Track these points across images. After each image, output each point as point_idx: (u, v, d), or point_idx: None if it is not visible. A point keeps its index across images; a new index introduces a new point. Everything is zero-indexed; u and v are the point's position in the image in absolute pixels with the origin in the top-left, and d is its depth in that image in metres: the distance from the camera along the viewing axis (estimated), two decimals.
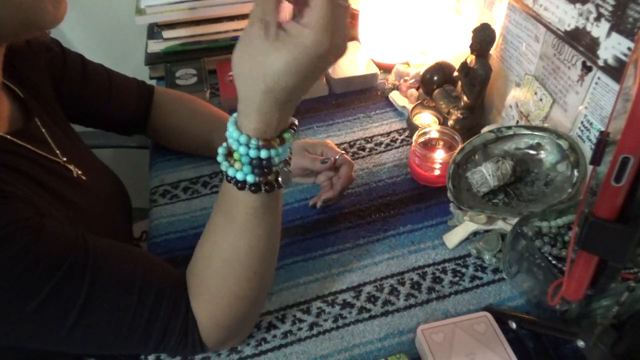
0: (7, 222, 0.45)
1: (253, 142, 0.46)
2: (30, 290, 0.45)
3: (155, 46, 1.09)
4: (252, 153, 0.46)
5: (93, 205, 0.65)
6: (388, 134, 0.94)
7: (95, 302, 0.48)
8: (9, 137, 0.55)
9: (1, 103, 0.58)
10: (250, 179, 0.47)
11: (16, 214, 0.47)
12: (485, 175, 0.72)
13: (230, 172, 0.48)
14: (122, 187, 0.81)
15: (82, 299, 0.48)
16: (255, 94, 0.44)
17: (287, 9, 0.44)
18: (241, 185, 0.48)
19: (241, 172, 0.47)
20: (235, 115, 0.48)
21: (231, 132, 0.46)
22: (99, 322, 0.49)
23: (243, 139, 0.46)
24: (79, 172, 0.66)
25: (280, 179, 0.49)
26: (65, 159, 0.64)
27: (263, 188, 0.48)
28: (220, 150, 0.49)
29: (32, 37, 0.62)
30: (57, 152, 0.63)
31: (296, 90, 0.44)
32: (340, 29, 0.43)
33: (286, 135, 0.48)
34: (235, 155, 0.47)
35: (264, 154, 0.46)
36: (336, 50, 0.43)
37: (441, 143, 0.85)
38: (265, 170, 0.48)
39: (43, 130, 0.62)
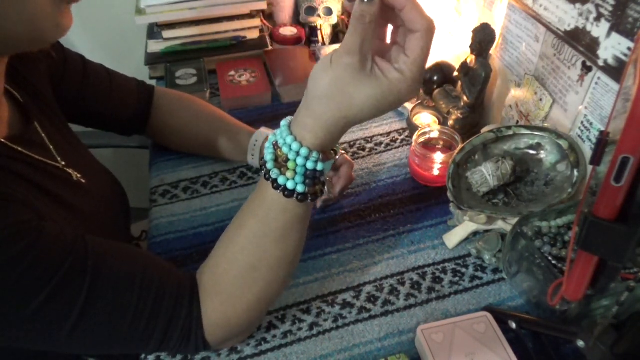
0: (6, 225, 0.45)
1: (314, 155, 0.47)
2: (30, 292, 0.45)
3: (155, 46, 1.09)
4: (310, 165, 0.48)
5: (92, 207, 0.65)
6: (388, 134, 0.94)
7: (96, 303, 0.48)
8: (7, 142, 0.55)
9: (1, 107, 0.58)
10: (300, 189, 0.49)
11: (15, 216, 0.47)
12: (485, 175, 0.72)
13: (281, 180, 0.48)
14: (121, 189, 0.81)
15: (82, 300, 0.48)
16: (333, 118, 0.46)
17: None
18: (289, 193, 0.49)
19: (292, 182, 0.48)
20: (286, 123, 0.49)
21: (290, 142, 0.47)
22: (100, 323, 0.49)
23: (304, 151, 0.47)
24: (78, 175, 0.66)
25: (326, 188, 0.51)
26: (64, 163, 0.64)
27: (310, 197, 0.50)
28: (269, 157, 0.49)
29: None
30: (57, 156, 0.63)
31: (366, 120, 0.47)
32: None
33: (337, 148, 0.51)
34: (290, 165, 0.48)
35: (320, 166, 0.48)
36: (418, 89, 0.47)
37: (441, 143, 0.85)
38: (315, 181, 0.49)
39: (42, 134, 0.62)
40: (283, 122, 0.49)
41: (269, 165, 0.49)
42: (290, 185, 0.48)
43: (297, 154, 0.47)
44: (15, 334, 0.47)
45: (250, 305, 0.55)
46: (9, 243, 0.45)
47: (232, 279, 0.54)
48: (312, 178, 0.49)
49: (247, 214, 0.53)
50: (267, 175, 0.49)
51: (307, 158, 0.47)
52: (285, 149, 0.48)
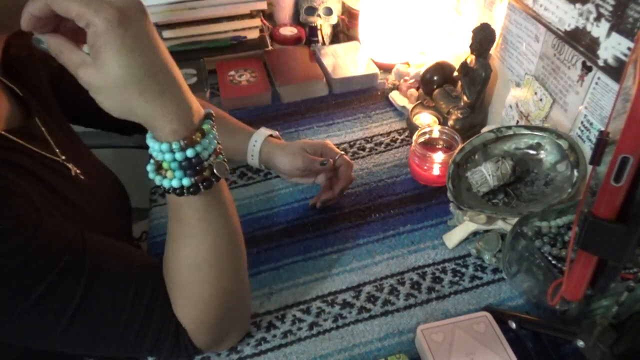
0: (4, 218, 0.45)
1: (175, 145, 0.46)
2: (26, 287, 0.45)
3: None
4: (179, 156, 0.46)
5: (91, 204, 0.66)
6: (388, 134, 0.94)
7: (92, 301, 0.49)
8: (7, 134, 0.56)
9: (0, 101, 0.59)
10: (186, 182, 0.47)
11: (14, 210, 0.47)
12: (485, 175, 0.72)
13: (166, 183, 0.48)
14: (122, 188, 0.81)
15: (78, 297, 0.48)
16: (137, 104, 0.44)
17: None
18: (179, 191, 0.48)
19: (176, 179, 0.47)
20: (148, 134, 0.48)
21: (152, 146, 0.47)
22: (95, 320, 0.49)
23: (165, 147, 0.46)
24: (77, 171, 0.66)
25: (215, 171, 0.49)
26: (64, 157, 0.64)
27: (201, 187, 0.48)
28: (150, 168, 0.49)
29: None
30: (57, 150, 0.63)
31: (154, 68, 0.43)
32: None
33: (205, 127, 0.48)
34: (165, 165, 0.47)
35: (190, 152, 0.47)
36: (124, 9, 0.41)
37: (441, 143, 0.85)
38: (198, 168, 0.48)
39: (43, 129, 0.63)
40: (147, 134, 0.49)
41: (150, 175, 0.49)
42: (175, 183, 0.48)
43: (162, 152, 0.46)
44: (11, 329, 0.47)
45: (211, 302, 0.54)
46: (7, 236, 0.45)
47: (183, 282, 0.54)
48: (191, 167, 0.47)
49: (169, 221, 0.53)
50: (156, 185, 0.49)
51: (171, 151, 0.46)
52: (154, 154, 0.48)
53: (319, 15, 1.16)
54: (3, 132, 0.55)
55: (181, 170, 0.47)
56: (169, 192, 0.48)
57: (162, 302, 0.53)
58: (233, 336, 0.61)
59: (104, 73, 0.42)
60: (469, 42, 0.82)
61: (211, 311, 0.55)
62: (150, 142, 0.47)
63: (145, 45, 0.43)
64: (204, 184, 0.48)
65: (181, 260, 0.53)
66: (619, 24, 0.59)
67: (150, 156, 0.49)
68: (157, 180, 0.48)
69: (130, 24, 0.42)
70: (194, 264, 0.53)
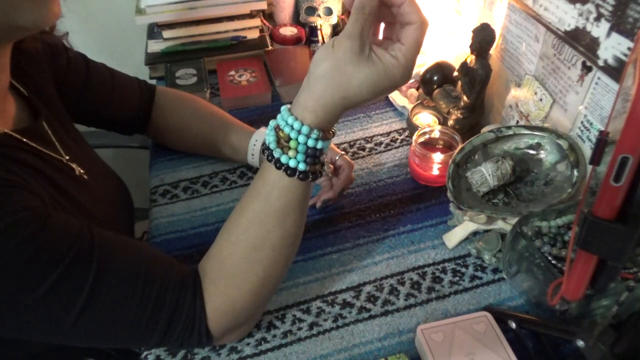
0: (13, 210, 0.46)
1: (315, 133, 0.50)
2: (36, 278, 0.46)
3: (155, 46, 1.09)
4: (311, 143, 0.50)
5: (95, 203, 0.66)
6: (388, 133, 0.94)
7: (101, 292, 0.49)
8: (14, 134, 0.56)
9: (8, 102, 0.59)
10: (301, 167, 0.51)
11: (22, 203, 0.47)
12: (485, 175, 0.72)
13: (284, 159, 0.51)
14: (125, 189, 0.82)
15: (87, 289, 0.48)
16: (332, 98, 0.49)
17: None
18: (291, 172, 0.51)
19: (294, 160, 0.51)
20: (286, 107, 0.51)
21: (291, 121, 0.50)
22: (104, 312, 0.50)
23: (305, 129, 0.49)
24: (81, 170, 0.66)
25: (324, 168, 0.54)
26: (68, 157, 0.64)
27: (310, 176, 0.52)
28: (271, 139, 0.51)
29: (25, 37, 0.61)
30: (61, 150, 0.64)
31: (363, 103, 0.51)
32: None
33: (334, 130, 0.54)
34: (292, 144, 0.50)
35: (320, 144, 0.50)
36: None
37: (441, 143, 0.85)
38: (316, 160, 0.51)
39: (48, 131, 0.63)
40: (283, 107, 0.52)
41: (272, 145, 0.51)
42: (292, 163, 0.51)
43: (299, 132, 0.50)
44: (21, 322, 0.48)
45: (253, 286, 0.55)
46: (16, 229, 0.45)
47: (236, 260, 0.54)
48: (313, 156, 0.51)
49: (250, 196, 0.55)
50: (270, 157, 0.51)
51: (308, 136, 0.50)
52: (287, 130, 0.50)
53: (319, 15, 1.16)
54: (12, 133, 0.56)
55: (304, 155, 0.51)
56: (280, 168, 0.51)
57: (172, 289, 0.53)
58: (243, 330, 0.61)
59: (359, 69, 0.48)
60: (469, 42, 0.82)
61: (249, 296, 0.56)
62: (289, 117, 0.50)
63: (374, 100, 0.53)
64: (312, 175, 0.52)
65: (247, 238, 0.54)
66: (619, 24, 0.60)
67: (276, 128, 0.52)
68: (277, 152, 0.51)
69: (398, 83, 0.50)
70: (257, 245, 0.54)
